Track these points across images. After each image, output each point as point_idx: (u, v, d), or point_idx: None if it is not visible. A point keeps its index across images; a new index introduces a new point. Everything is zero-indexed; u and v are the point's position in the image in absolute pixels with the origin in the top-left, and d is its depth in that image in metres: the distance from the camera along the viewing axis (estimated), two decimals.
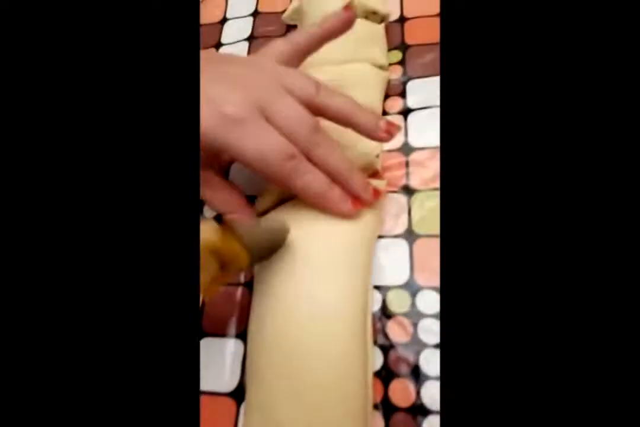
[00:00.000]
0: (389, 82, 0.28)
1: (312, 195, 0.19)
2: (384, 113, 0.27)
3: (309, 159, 0.19)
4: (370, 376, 0.20)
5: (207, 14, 0.36)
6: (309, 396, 0.18)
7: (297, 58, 0.22)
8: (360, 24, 0.28)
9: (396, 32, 0.30)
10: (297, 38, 0.22)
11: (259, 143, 0.18)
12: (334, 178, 0.20)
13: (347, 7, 0.22)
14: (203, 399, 0.22)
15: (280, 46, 0.22)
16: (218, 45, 0.34)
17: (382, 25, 0.29)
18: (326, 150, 0.19)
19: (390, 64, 0.28)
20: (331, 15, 0.22)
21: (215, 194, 0.21)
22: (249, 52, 0.33)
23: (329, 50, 0.28)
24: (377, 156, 0.24)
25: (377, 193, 0.21)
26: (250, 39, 0.33)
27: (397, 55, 0.29)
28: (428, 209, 0.23)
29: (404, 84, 0.28)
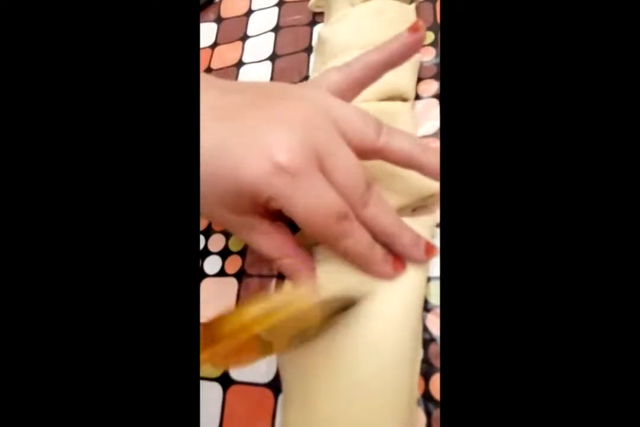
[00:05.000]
0: (421, 64, 0.27)
1: (354, 257, 0.18)
2: (417, 97, 0.26)
3: (358, 216, 0.18)
4: (417, 371, 0.19)
5: (232, 7, 0.36)
6: (354, 389, 0.18)
7: (353, 91, 0.20)
8: (389, 6, 0.27)
9: (428, 11, 0.28)
10: (353, 68, 0.20)
11: (312, 199, 0.16)
12: (380, 237, 0.18)
13: (414, 27, 0.19)
14: (241, 390, 0.22)
15: (334, 77, 0.20)
16: (244, 37, 0.34)
17: (413, 5, 0.28)
18: (376, 209, 0.18)
19: (423, 46, 0.27)
20: (394, 38, 0.20)
21: (266, 240, 0.19)
22: (275, 43, 0.32)
23: (357, 34, 0.27)
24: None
25: (430, 250, 0.19)
26: (276, 29, 0.33)
27: (429, 36, 0.27)
28: None
29: (438, 66, 0.26)
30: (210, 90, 0.18)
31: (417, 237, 0.19)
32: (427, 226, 0.21)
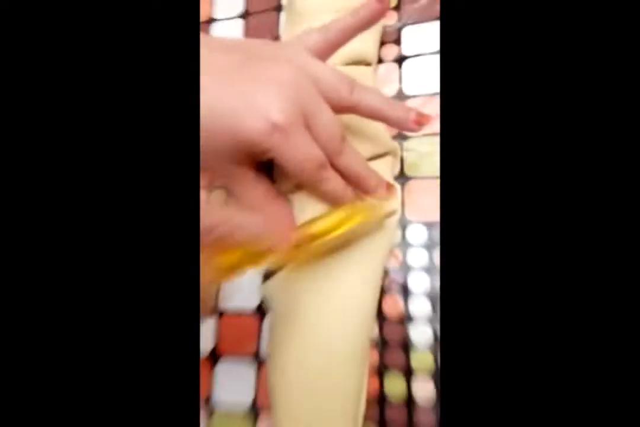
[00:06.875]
0: (383, 28, 0.28)
1: (331, 197, 0.23)
2: (380, 61, 0.28)
3: (333, 164, 0.22)
4: (368, 344, 0.23)
5: None
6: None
7: (329, 51, 0.23)
8: None
9: None
10: (330, 31, 0.22)
11: (300, 152, 0.20)
12: (352, 180, 0.23)
13: None
14: (231, 319, 0.26)
15: (314, 38, 0.22)
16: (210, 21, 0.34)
17: None
18: (349, 157, 0.22)
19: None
20: (363, 4, 0.22)
21: (252, 190, 0.22)
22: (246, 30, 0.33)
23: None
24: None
25: (390, 188, 0.24)
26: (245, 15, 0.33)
27: (391, 0, 0.29)
28: (420, 154, 0.26)
29: (399, 30, 0.28)
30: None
31: (381, 179, 0.24)
32: (387, 168, 0.25)
